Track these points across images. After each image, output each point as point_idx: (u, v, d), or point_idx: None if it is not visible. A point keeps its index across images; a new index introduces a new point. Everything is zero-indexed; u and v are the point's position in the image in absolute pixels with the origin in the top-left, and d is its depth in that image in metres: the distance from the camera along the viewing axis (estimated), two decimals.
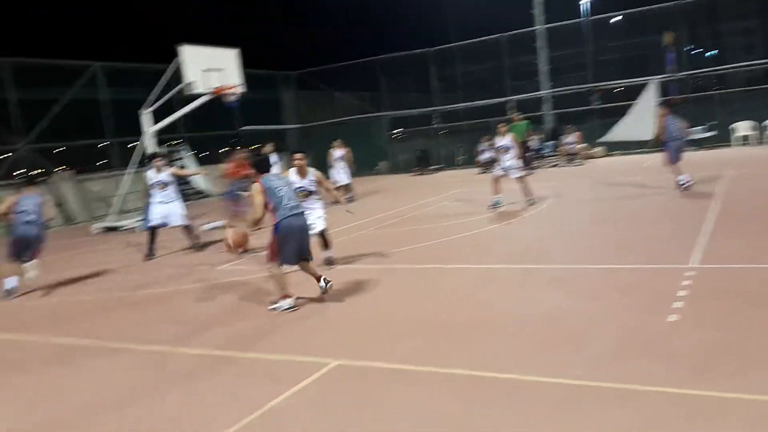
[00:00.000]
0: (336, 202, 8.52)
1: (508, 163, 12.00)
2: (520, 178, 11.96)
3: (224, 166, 12.02)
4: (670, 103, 21.30)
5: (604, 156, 22.18)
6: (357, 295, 6.71)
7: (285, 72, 28.90)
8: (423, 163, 25.39)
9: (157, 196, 10.50)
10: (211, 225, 12.56)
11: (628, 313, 5.05)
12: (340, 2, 38.84)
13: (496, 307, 5.71)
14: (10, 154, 18.02)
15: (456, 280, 6.98)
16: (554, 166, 19.61)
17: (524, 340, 4.73)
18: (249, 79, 16.61)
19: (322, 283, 6.40)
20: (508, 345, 4.67)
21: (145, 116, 15.66)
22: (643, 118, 21.47)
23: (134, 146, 18.70)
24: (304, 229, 6.42)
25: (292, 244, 6.22)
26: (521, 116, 19.09)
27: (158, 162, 10.73)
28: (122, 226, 15.46)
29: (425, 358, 4.54)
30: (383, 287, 6.94)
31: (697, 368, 3.87)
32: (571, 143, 20.76)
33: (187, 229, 10.84)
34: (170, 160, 10.80)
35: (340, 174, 16.28)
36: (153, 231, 10.54)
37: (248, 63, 16.69)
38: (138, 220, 15.49)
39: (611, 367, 4.01)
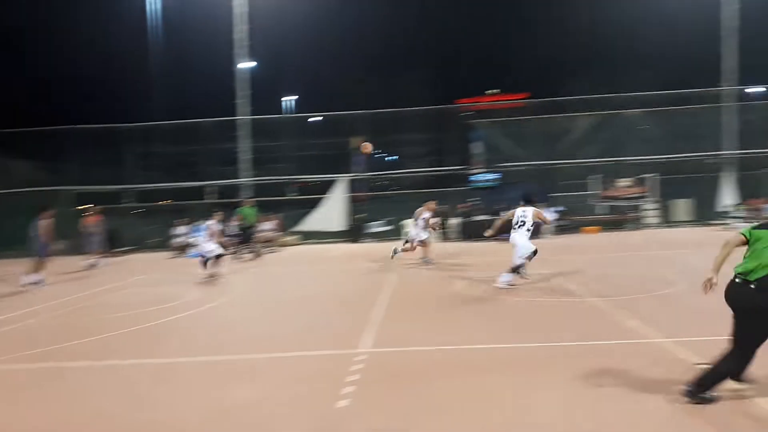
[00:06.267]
0: None
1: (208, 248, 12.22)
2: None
3: None
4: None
5: (298, 244, 23.11)
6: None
7: None
8: (110, 244, 23.29)
9: None
10: None
11: (299, 403, 5.05)
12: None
13: (177, 407, 5.22)
14: None
15: (132, 377, 6.26)
16: (251, 252, 19.54)
17: None
18: None
19: None
20: None
21: None
22: (332, 210, 23.42)
23: None
24: None
25: None
26: (251, 200, 19.34)
27: None
28: None
29: None
30: (45, 391, 5.89)
31: None
32: (268, 230, 21.18)
33: None
34: None
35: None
36: None
37: None
38: None
39: None
